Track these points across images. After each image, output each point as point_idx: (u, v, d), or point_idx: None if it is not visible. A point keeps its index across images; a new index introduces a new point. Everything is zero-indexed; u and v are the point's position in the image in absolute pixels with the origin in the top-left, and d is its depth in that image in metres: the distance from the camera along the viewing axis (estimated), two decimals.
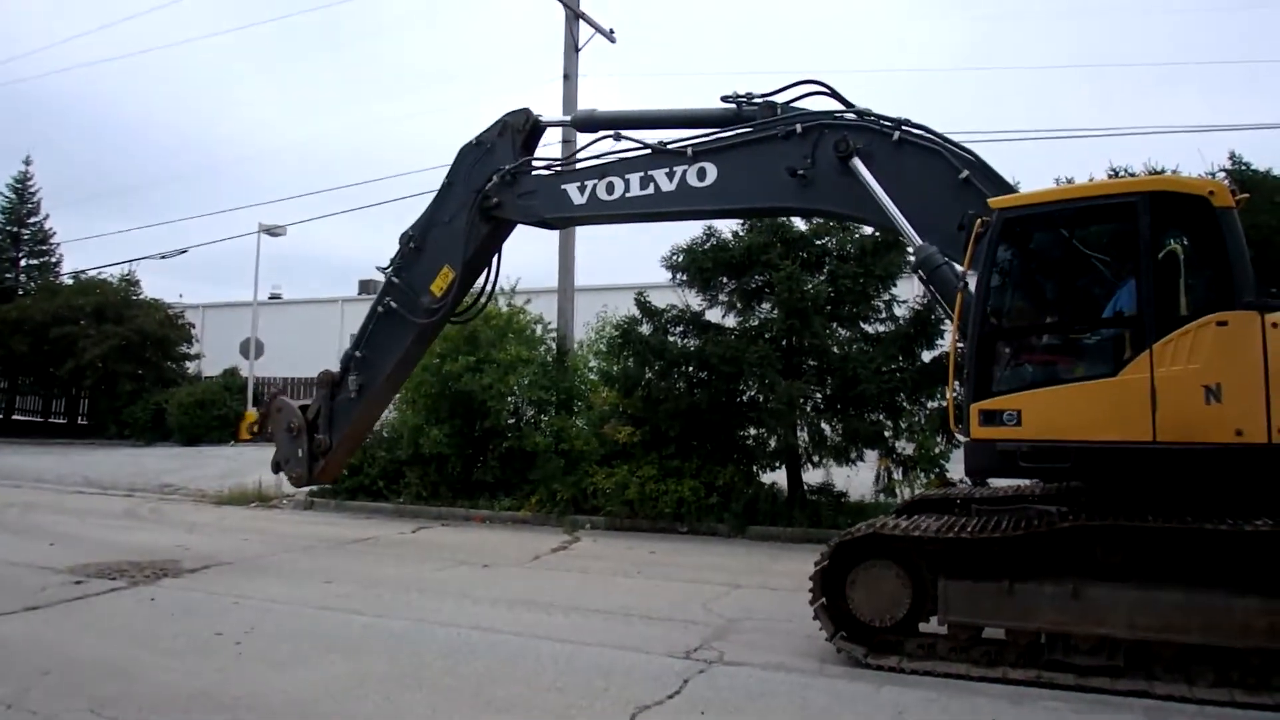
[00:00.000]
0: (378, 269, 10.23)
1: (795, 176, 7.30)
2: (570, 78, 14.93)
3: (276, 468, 10.33)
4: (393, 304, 9.42)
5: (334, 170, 61.02)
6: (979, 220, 5.87)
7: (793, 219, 11.80)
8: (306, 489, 12.78)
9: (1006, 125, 70.10)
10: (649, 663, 5.76)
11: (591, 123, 8.93)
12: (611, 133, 8.53)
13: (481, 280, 9.61)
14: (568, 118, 10.84)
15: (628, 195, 8.23)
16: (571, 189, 8.57)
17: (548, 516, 12.35)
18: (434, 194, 9.49)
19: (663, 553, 10.11)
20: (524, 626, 6.68)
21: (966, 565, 5.51)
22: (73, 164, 61.95)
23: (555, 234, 14.74)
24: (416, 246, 9.36)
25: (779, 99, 7.81)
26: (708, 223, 12.07)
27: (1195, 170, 10.67)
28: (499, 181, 8.90)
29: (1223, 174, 11.68)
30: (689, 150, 7.88)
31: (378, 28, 70.10)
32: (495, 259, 9.56)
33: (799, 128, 7.35)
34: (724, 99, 8.07)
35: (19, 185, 31.06)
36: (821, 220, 11.70)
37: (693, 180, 7.89)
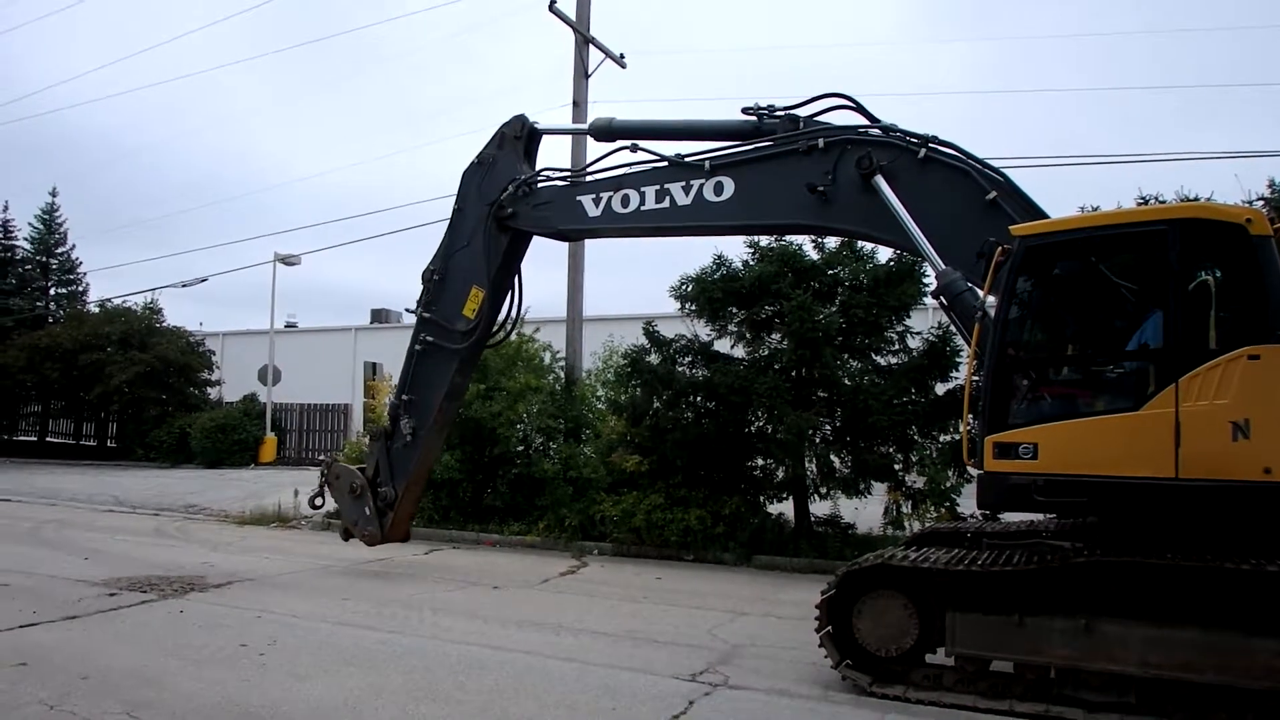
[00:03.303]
0: (407, 310, 10.21)
1: (815, 194, 7.07)
2: (580, 104, 14.65)
3: (346, 534, 10.20)
4: (429, 339, 9.39)
5: (348, 201, 61.81)
6: (1000, 248, 5.69)
7: (805, 248, 11.65)
8: (324, 511, 12.90)
9: (1029, 150, 68.40)
10: (655, 684, 5.84)
11: (608, 132, 8.72)
12: (628, 143, 8.32)
13: (507, 304, 9.62)
14: (565, 125, 10.66)
15: (643, 208, 8.08)
16: (586, 200, 8.45)
17: (556, 542, 12.43)
18: (446, 224, 9.55)
19: (669, 579, 10.16)
20: (533, 646, 6.79)
21: (976, 598, 5.41)
22: (97, 196, 63.17)
23: (564, 264, 14.85)
24: (440, 278, 9.37)
25: (801, 112, 7.56)
26: (718, 251, 11.95)
27: (1231, 198, 10.48)
28: (514, 192, 8.81)
29: (1260, 202, 11.17)
30: (707, 163, 7.67)
31: (389, 56, 71.07)
32: (518, 280, 9.56)
33: (821, 143, 7.10)
34: (745, 111, 7.84)
35: (47, 216, 31.82)
36: (834, 249, 11.59)
37: (710, 195, 7.68)
